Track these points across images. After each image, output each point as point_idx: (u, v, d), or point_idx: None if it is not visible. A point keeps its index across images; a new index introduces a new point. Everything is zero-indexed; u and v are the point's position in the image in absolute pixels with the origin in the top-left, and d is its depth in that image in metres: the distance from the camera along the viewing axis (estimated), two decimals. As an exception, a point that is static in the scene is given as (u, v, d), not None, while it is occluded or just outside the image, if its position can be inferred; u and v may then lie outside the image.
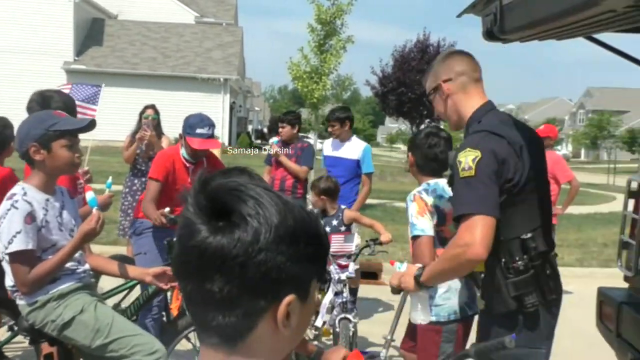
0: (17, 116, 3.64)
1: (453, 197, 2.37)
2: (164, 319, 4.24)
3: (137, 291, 4.00)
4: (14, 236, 2.60)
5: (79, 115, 4.84)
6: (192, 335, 3.76)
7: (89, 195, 2.95)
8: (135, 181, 6.23)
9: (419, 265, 2.68)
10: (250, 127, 51.78)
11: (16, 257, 2.63)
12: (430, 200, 2.99)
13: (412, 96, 27.13)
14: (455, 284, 3.00)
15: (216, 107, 29.32)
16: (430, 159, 3.07)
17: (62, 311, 2.77)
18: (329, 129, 5.77)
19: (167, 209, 3.84)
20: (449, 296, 3.01)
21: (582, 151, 64.44)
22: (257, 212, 0.86)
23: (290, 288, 0.89)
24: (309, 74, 13.54)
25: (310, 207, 6.99)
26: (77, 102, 4.97)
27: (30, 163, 2.77)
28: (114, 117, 21.38)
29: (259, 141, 43.89)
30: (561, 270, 2.56)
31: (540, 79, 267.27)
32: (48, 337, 2.87)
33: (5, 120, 4.01)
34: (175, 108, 18.95)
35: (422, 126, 29.91)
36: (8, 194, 2.71)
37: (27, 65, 28.18)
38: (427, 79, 2.59)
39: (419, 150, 3.11)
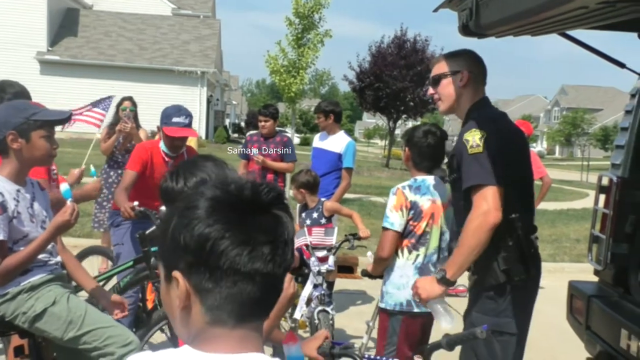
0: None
1: (463, 172, 2.52)
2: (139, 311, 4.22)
3: (112, 283, 3.98)
4: (-16, 227, 2.55)
5: (86, 117, 5.89)
6: (166, 328, 3.75)
7: (63, 187, 2.92)
8: (112, 173, 6.18)
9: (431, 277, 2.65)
10: (227, 121, 51.47)
11: (-13, 248, 2.58)
12: (411, 196, 3.14)
13: (389, 91, 27.14)
14: (409, 277, 3.08)
15: (193, 100, 29.02)
16: (426, 157, 3.19)
17: (33, 303, 2.74)
18: (316, 120, 5.93)
19: (135, 203, 3.81)
20: (399, 286, 3.13)
21: (557, 148, 65.35)
22: None
23: None
24: (287, 68, 13.49)
25: (286, 200, 6.98)
26: (89, 108, 5.92)
27: (2, 152, 2.72)
28: (88, 109, 21.04)
29: (236, 135, 43.67)
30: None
31: (516, 76, 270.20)
32: (19, 330, 2.83)
33: None
34: (151, 101, 18.74)
35: (400, 122, 30.14)
36: None
37: (-2, 55, 27.56)
38: (443, 62, 2.72)
39: (416, 147, 3.21)
